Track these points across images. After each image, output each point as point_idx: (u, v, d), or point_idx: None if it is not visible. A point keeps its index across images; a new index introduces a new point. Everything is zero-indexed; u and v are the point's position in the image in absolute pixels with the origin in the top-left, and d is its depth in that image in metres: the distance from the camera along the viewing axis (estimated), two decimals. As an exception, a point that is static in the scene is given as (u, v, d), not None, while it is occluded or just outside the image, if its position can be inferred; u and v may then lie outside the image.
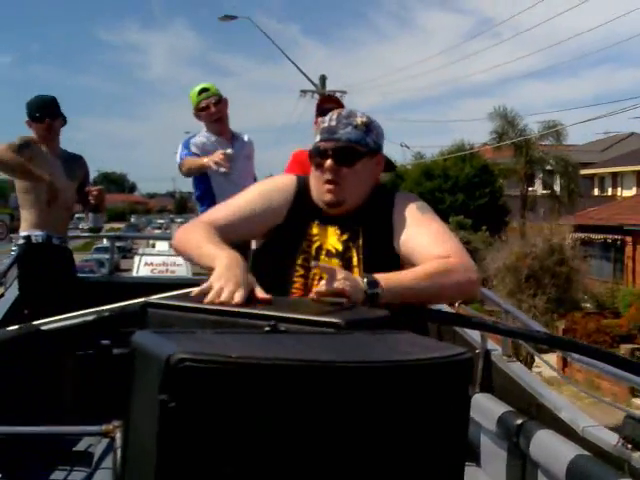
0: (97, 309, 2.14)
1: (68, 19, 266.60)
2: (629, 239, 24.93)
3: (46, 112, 4.72)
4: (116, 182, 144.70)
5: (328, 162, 2.27)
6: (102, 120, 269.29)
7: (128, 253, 34.46)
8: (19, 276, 4.68)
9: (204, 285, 1.93)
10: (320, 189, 2.31)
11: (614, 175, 38.04)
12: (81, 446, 3.35)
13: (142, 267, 15.27)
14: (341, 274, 1.96)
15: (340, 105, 4.73)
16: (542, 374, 11.50)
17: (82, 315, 2.13)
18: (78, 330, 2.14)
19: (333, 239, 2.30)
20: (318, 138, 2.32)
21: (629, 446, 2.42)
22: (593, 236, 26.30)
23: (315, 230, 2.32)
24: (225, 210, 2.37)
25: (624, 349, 17.22)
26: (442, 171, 34.86)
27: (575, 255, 21.82)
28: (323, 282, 1.96)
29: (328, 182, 2.28)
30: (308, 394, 1.31)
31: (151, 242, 24.13)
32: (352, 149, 2.28)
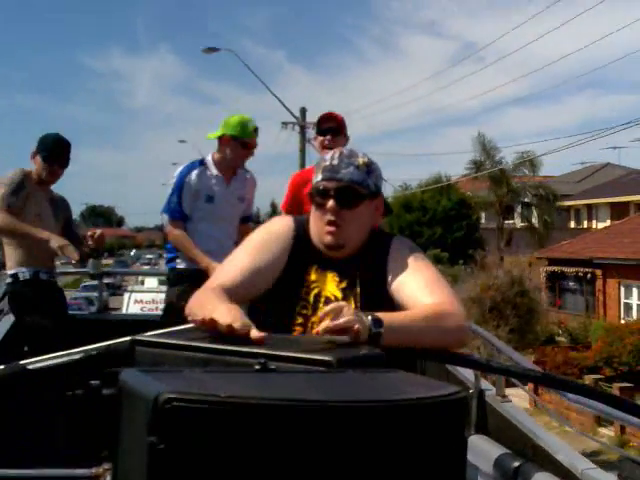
0: (84, 348, 2.10)
1: (52, 46, 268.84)
2: (599, 272, 25.25)
3: (57, 158, 4.61)
4: (103, 215, 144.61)
5: (330, 203, 2.25)
6: (87, 150, 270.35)
7: (117, 290, 34.35)
8: (14, 313, 4.60)
9: (201, 316, 1.90)
10: (321, 230, 2.28)
11: (589, 207, 38.10)
12: None
13: (132, 304, 15.20)
14: (350, 310, 1.93)
15: (340, 123, 4.76)
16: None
17: (69, 354, 2.09)
18: (67, 369, 2.10)
19: (332, 286, 2.28)
20: (319, 177, 2.29)
21: (629, 489, 2.38)
22: (566, 269, 26.78)
23: (314, 276, 2.29)
24: (229, 272, 2.29)
25: (588, 379, 17.51)
26: (420, 204, 35.08)
27: (537, 287, 22.88)
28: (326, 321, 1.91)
29: (329, 223, 2.25)
30: (298, 434, 1.28)
31: (140, 279, 24.07)
32: (354, 190, 2.26)
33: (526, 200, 36.10)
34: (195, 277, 4.29)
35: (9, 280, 4.59)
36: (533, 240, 33.54)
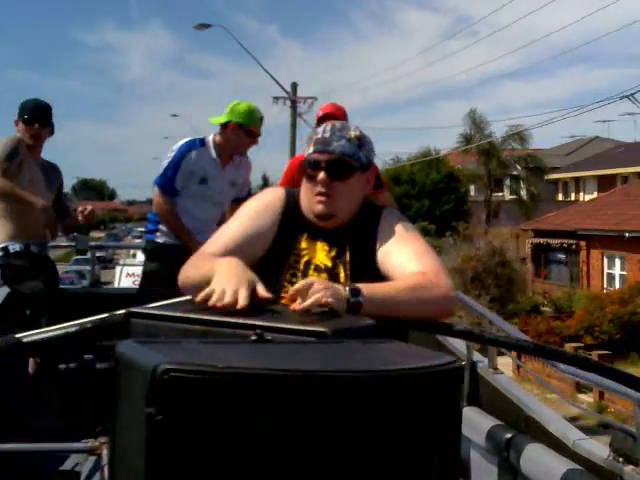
0: (80, 321, 2.09)
1: (44, 21, 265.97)
2: (583, 243, 25.61)
3: (37, 117, 4.62)
4: (96, 189, 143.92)
5: (321, 175, 2.26)
6: (80, 124, 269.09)
7: (109, 264, 34.25)
8: (7, 284, 4.59)
9: (206, 289, 1.91)
10: (311, 201, 2.29)
11: (577, 180, 38.36)
12: (67, 465, 3.27)
13: (124, 278, 15.15)
14: (320, 284, 1.93)
15: (341, 118, 4.63)
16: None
17: (64, 327, 2.08)
18: (61, 343, 2.09)
19: (321, 254, 2.30)
20: (311, 149, 2.30)
21: (620, 459, 2.39)
22: (551, 241, 27.13)
23: (304, 244, 2.31)
24: (221, 240, 2.32)
25: (569, 347, 17.62)
26: (409, 177, 35.23)
27: (517, 257, 23.98)
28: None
29: (320, 194, 2.27)
30: (295, 404, 1.29)
31: (132, 252, 23.99)
32: (345, 163, 2.28)
33: (515, 173, 36.39)
34: (173, 252, 4.31)
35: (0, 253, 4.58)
36: (521, 212, 33.78)
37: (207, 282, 2.01)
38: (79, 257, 30.60)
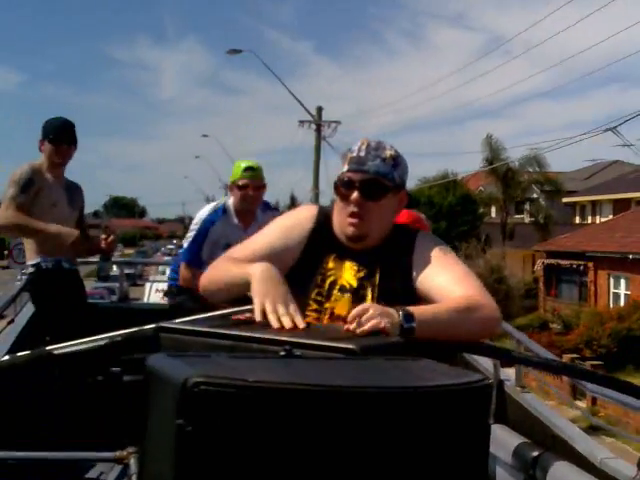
0: (109, 334, 2.12)
1: (81, 37, 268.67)
2: (591, 264, 27.09)
3: (64, 136, 4.61)
4: (126, 207, 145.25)
5: (355, 194, 2.23)
6: (112, 141, 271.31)
7: (138, 279, 34.42)
8: (34, 302, 4.64)
9: (256, 308, 1.96)
10: (343, 221, 2.27)
11: (593, 203, 39.12)
12: (93, 474, 3.30)
13: (153, 294, 15.24)
14: (376, 310, 1.94)
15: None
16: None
17: (94, 340, 2.11)
18: (91, 356, 2.12)
19: (349, 274, 2.28)
20: (345, 168, 2.27)
21: (648, 478, 2.37)
22: (562, 262, 28.64)
23: (331, 264, 2.30)
24: (248, 248, 2.35)
25: (566, 358, 17.95)
26: (427, 199, 35.48)
27: (513, 274, 26.37)
28: (355, 315, 1.94)
29: (352, 215, 2.25)
30: (324, 419, 1.30)
31: (160, 269, 24.14)
32: (380, 183, 2.24)
33: (535, 196, 37.18)
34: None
35: (31, 270, 4.60)
36: (538, 234, 34.50)
37: (238, 284, 2.07)
38: (108, 274, 30.79)
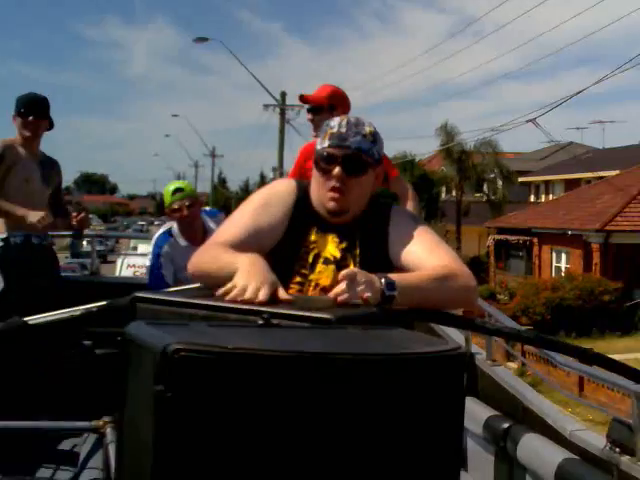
0: (86, 306, 2.11)
1: (48, 15, 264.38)
2: (535, 240, 28.87)
3: (34, 110, 4.59)
4: (97, 183, 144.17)
5: (336, 170, 2.24)
6: (83, 119, 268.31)
7: (110, 254, 34.16)
8: (3, 277, 4.60)
9: (228, 284, 1.93)
10: (324, 196, 2.28)
11: (546, 183, 41.38)
12: (67, 445, 3.30)
13: (124, 269, 15.18)
14: (362, 277, 1.96)
15: (330, 101, 4.57)
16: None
17: (69, 311, 2.10)
18: (65, 328, 2.11)
19: (332, 247, 2.30)
20: (326, 143, 2.27)
21: (617, 449, 2.41)
22: (510, 237, 30.55)
23: (314, 237, 2.31)
24: (234, 229, 2.32)
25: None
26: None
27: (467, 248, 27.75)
28: (342, 285, 1.94)
29: (334, 190, 2.25)
30: (303, 385, 1.31)
31: (132, 244, 24.01)
32: (361, 159, 2.26)
33: (492, 176, 38.87)
34: None
35: (0, 244, 4.58)
36: (493, 212, 36.46)
37: (225, 275, 2.02)
38: (80, 250, 30.64)
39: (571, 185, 36.20)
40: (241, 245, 2.19)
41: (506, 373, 3.33)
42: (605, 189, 27.95)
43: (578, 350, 2.31)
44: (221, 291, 1.91)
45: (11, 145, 4.57)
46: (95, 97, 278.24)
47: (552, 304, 21.72)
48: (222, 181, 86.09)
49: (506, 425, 2.79)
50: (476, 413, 3.02)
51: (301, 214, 2.31)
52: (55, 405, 3.01)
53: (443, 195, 40.94)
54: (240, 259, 2.05)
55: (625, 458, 2.38)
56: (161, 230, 4.93)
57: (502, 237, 31.07)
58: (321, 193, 2.28)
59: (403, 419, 1.39)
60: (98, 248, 11.16)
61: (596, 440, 2.54)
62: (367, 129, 2.28)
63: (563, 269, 26.95)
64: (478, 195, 39.31)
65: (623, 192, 26.11)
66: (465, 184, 38.01)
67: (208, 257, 2.20)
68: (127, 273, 14.50)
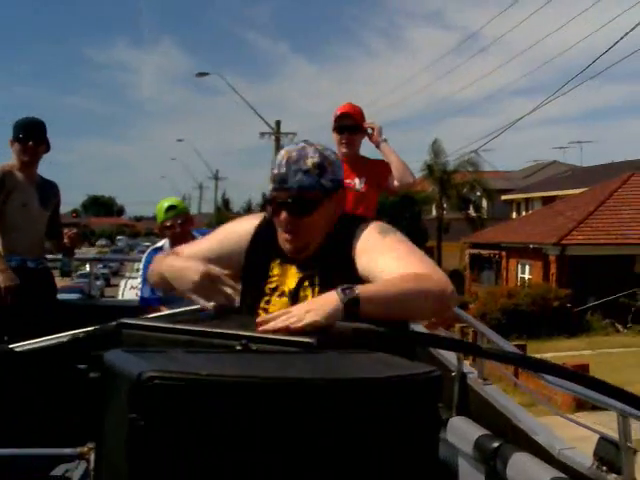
0: (72, 332, 2.13)
1: (57, 39, 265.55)
2: (504, 253, 31.05)
3: (31, 135, 4.62)
4: (105, 205, 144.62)
5: (283, 214, 2.16)
6: (90, 141, 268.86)
7: (113, 278, 34.22)
8: None
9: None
10: (280, 237, 2.23)
11: (527, 200, 43.05)
12: (58, 471, 3.29)
13: (127, 291, 15.17)
14: (300, 309, 1.87)
15: (357, 118, 4.64)
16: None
17: (56, 338, 2.12)
18: (53, 353, 2.13)
19: (291, 280, 2.23)
20: (270, 187, 2.19)
21: (604, 468, 2.42)
22: (483, 252, 32.72)
23: (276, 270, 2.26)
24: (194, 247, 2.41)
25: (457, 327, 18.37)
26: None
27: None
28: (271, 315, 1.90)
29: (286, 232, 2.19)
30: (275, 411, 1.33)
31: (136, 266, 24.05)
32: (306, 198, 2.15)
33: (477, 194, 40.91)
34: None
35: None
36: (472, 229, 38.22)
37: (179, 277, 2.18)
38: (83, 272, 30.70)
39: (548, 202, 37.65)
40: (199, 259, 2.26)
41: (497, 392, 3.34)
42: (568, 206, 29.60)
43: (563, 371, 2.32)
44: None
45: (10, 170, 4.61)
46: (102, 119, 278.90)
47: (507, 309, 23.19)
48: (225, 202, 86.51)
49: (496, 444, 2.79)
50: (467, 432, 3.02)
51: (263, 247, 2.29)
52: (46, 431, 3.01)
53: (433, 213, 42.33)
54: (192, 262, 2.17)
55: (612, 477, 2.39)
56: (152, 247, 4.97)
57: (476, 251, 33.22)
58: (279, 233, 2.23)
59: (375, 442, 1.41)
60: (102, 271, 11.18)
61: (583, 459, 2.54)
62: (309, 162, 2.15)
63: (527, 279, 28.87)
64: (460, 213, 40.86)
65: (582, 209, 27.80)
66: (447, 202, 39.58)
67: (163, 265, 2.30)
68: (130, 295, 14.48)
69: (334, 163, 2.23)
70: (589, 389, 2.18)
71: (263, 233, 2.31)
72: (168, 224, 4.71)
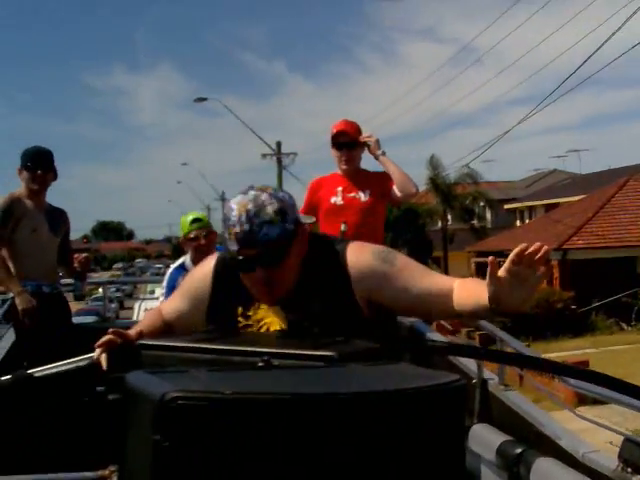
0: (90, 355, 2.13)
1: (56, 67, 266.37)
2: None
3: (39, 164, 4.69)
4: (114, 230, 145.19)
5: (257, 272, 2.10)
6: (96, 168, 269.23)
7: (127, 300, 34.28)
8: (15, 328, 4.64)
9: None
10: (253, 290, 2.18)
11: (530, 208, 43.93)
12: None
13: (142, 313, 15.23)
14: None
15: (353, 134, 4.71)
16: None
17: (75, 361, 2.12)
18: (72, 377, 2.13)
19: (278, 318, 2.21)
20: (234, 247, 2.10)
21: (629, 470, 2.41)
22: (487, 260, 32.47)
23: (260, 314, 2.22)
24: (167, 305, 2.53)
25: (463, 332, 19.42)
26: None
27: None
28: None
29: (263, 285, 2.13)
30: (303, 427, 1.32)
31: (149, 288, 24.12)
32: (276, 250, 2.09)
33: (481, 204, 41.60)
34: None
35: (11, 295, 4.62)
36: (477, 238, 38.47)
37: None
38: (97, 296, 30.84)
39: (551, 209, 38.37)
40: (172, 322, 2.43)
41: (519, 397, 3.32)
42: (568, 212, 29.99)
43: (589, 374, 2.30)
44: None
45: (18, 198, 4.67)
46: (106, 146, 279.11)
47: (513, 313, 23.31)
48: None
49: (519, 450, 2.77)
50: (489, 439, 3.01)
51: (227, 289, 2.27)
52: (65, 455, 3.01)
53: (438, 224, 43.04)
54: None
55: (637, 478, 2.37)
56: (174, 265, 5.00)
57: (481, 260, 33.23)
58: (251, 287, 2.18)
59: (404, 452, 1.40)
60: (116, 295, 11.20)
61: (608, 461, 2.53)
62: (270, 210, 2.08)
63: (529, 285, 29.76)
64: (464, 224, 41.64)
65: (581, 215, 28.15)
66: (451, 213, 40.16)
67: (146, 319, 2.55)
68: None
69: (290, 202, 2.17)
70: (618, 392, 2.17)
71: (223, 275, 2.30)
72: (192, 236, 4.77)
